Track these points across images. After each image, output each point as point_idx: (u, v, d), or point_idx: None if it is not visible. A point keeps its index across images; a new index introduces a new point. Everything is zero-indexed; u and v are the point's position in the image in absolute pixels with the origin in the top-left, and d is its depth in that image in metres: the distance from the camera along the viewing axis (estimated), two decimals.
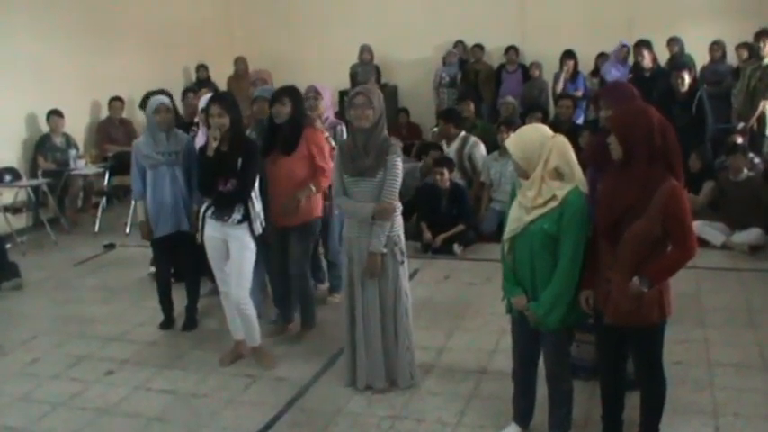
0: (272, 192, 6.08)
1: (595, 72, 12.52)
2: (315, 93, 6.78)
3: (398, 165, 5.15)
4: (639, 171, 3.99)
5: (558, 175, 4.21)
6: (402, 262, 5.31)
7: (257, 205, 5.83)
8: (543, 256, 4.28)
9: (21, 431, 5.34)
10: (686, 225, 4.03)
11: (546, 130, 4.37)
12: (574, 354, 5.18)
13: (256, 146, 5.95)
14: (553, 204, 4.19)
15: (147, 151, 6.49)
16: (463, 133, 10.09)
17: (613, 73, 11.69)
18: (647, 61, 10.70)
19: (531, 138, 4.29)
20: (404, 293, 5.35)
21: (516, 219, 4.33)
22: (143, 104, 8.07)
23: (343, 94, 13.71)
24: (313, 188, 6.20)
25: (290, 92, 6.17)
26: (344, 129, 6.93)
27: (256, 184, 5.83)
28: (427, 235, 8.97)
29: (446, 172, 9.04)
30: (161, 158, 6.46)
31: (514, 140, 4.33)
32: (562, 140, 4.27)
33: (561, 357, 4.52)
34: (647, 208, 3.96)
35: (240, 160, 5.69)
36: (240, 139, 5.78)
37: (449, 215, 9.05)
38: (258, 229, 5.82)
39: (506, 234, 4.40)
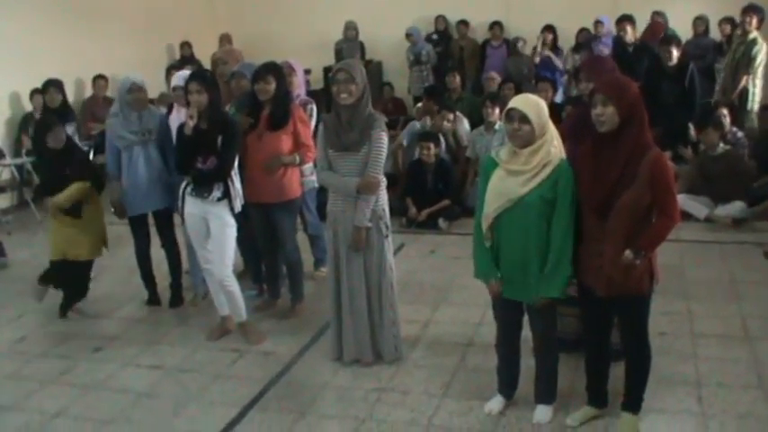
0: (257, 167, 6.11)
1: (577, 48, 12.52)
2: (289, 68, 6.74)
3: (383, 139, 5.16)
4: (631, 139, 4.01)
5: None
6: (387, 236, 5.34)
7: (237, 182, 5.85)
8: (540, 226, 4.27)
9: (9, 408, 5.36)
10: (672, 192, 4.10)
11: None
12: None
13: (236, 123, 5.95)
14: (548, 170, 4.20)
15: (120, 131, 6.44)
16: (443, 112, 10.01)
17: (600, 48, 11.68)
18: (629, 36, 10.69)
19: (543, 105, 4.30)
20: (388, 268, 5.38)
21: (505, 193, 4.28)
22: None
23: (327, 70, 13.72)
24: (297, 158, 6.21)
25: (273, 69, 6.16)
26: (314, 108, 6.98)
27: (236, 162, 5.84)
28: (412, 210, 9.00)
29: (432, 147, 9.06)
30: (134, 138, 6.42)
31: (530, 106, 4.24)
32: None
33: (551, 325, 4.57)
34: (635, 177, 4.00)
35: (220, 138, 5.69)
36: (219, 117, 5.78)
37: (434, 190, 9.09)
38: (238, 207, 5.85)
39: (494, 210, 4.32)
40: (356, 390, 5.26)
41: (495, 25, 13.55)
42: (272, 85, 6.06)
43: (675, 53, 9.46)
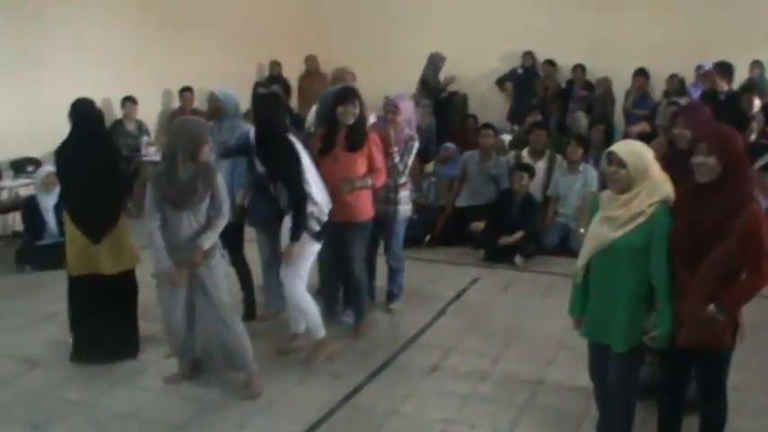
0: (330, 188, 6.08)
1: (666, 94, 12.41)
2: (394, 107, 6.80)
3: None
4: (728, 192, 3.93)
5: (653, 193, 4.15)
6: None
7: (317, 199, 5.90)
8: (628, 274, 4.19)
9: None
10: (764, 251, 3.95)
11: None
12: None
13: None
14: (640, 220, 4.11)
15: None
16: (548, 152, 9.99)
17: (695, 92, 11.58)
18: (721, 84, 10.56)
19: (645, 152, 4.19)
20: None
21: (598, 236, 4.24)
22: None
23: None
24: (369, 181, 6.28)
25: (357, 94, 6.32)
26: (416, 144, 6.90)
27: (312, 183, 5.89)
28: (477, 225, 9.18)
29: (526, 177, 9.08)
30: (214, 149, 6.30)
31: (630, 152, 4.16)
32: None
33: (631, 373, 4.41)
34: (730, 231, 3.90)
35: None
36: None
37: (515, 221, 9.00)
38: (315, 227, 5.90)
39: (587, 252, 4.31)
40: (423, 419, 5.25)
41: (578, 68, 13.60)
42: (358, 109, 6.21)
43: (758, 102, 9.33)
